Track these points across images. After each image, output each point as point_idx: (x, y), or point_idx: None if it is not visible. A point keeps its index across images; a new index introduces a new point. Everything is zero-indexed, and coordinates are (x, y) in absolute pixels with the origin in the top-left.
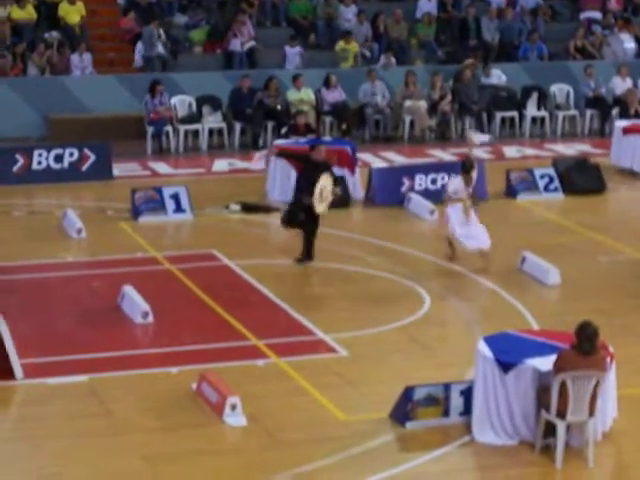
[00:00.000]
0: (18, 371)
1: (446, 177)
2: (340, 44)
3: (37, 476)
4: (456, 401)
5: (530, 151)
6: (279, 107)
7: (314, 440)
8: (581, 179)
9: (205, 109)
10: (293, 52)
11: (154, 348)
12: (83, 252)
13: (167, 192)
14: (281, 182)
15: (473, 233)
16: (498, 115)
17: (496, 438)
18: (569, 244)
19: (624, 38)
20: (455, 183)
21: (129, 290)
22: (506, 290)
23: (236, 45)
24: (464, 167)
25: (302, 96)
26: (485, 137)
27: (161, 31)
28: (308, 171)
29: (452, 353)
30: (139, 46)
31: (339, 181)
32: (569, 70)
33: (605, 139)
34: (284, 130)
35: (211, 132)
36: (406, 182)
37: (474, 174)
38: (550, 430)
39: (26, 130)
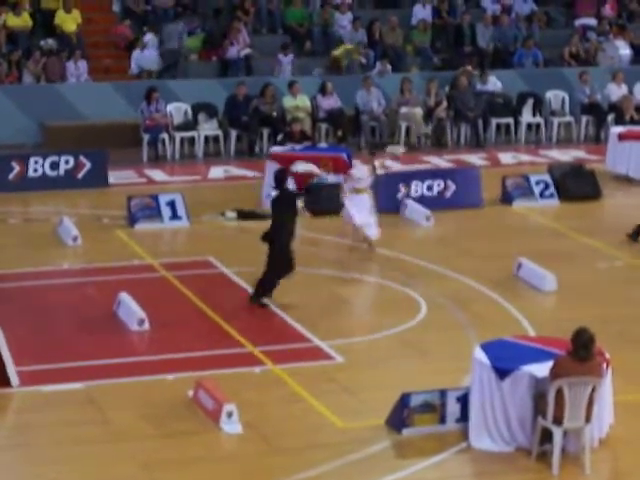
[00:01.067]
0: (14, 378)
1: (442, 183)
2: (344, 46)
3: None
4: (452, 408)
5: (525, 157)
6: (275, 114)
7: (311, 447)
8: (577, 185)
9: (201, 116)
10: (287, 60)
11: (150, 355)
12: (79, 259)
13: (163, 199)
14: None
15: (370, 222)
16: (494, 121)
17: (493, 445)
18: (565, 250)
19: (619, 44)
20: (362, 170)
21: (125, 297)
22: (502, 296)
23: (232, 52)
24: (371, 153)
25: (298, 103)
26: (401, 149)
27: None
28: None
29: (448, 359)
30: (136, 53)
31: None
32: (564, 76)
33: (600, 145)
34: (280, 137)
35: (207, 139)
36: (402, 188)
37: (376, 163)
38: (547, 436)
39: (22, 137)
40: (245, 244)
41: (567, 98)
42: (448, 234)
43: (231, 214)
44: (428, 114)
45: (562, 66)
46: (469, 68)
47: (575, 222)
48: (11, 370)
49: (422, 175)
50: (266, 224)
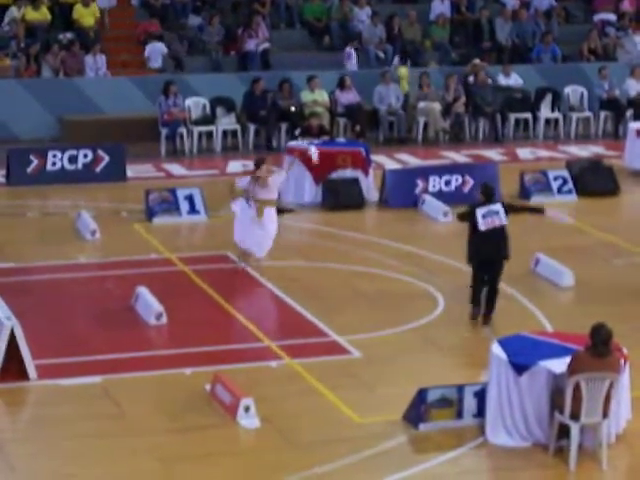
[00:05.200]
0: (32, 372)
1: (460, 178)
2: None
3: (51, 477)
4: (470, 403)
5: (544, 153)
6: (293, 109)
7: (327, 442)
8: (595, 181)
9: (219, 110)
10: (354, 53)
11: (168, 349)
12: (97, 253)
13: (181, 193)
14: (295, 184)
15: (254, 236)
16: (512, 117)
17: (510, 440)
18: (583, 246)
19: (638, 40)
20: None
21: (143, 291)
22: (520, 292)
23: (251, 46)
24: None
25: (316, 97)
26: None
27: None
28: None
29: (466, 355)
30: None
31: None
32: (583, 72)
33: (619, 141)
34: (298, 132)
35: (225, 134)
36: (420, 184)
37: (265, 174)
38: (564, 432)
39: (40, 131)
40: None
41: (586, 93)
42: (466, 229)
43: None
44: (446, 109)
45: (581, 61)
46: (478, 62)
47: (593, 218)
48: (29, 363)
49: (440, 170)
50: (283, 218)
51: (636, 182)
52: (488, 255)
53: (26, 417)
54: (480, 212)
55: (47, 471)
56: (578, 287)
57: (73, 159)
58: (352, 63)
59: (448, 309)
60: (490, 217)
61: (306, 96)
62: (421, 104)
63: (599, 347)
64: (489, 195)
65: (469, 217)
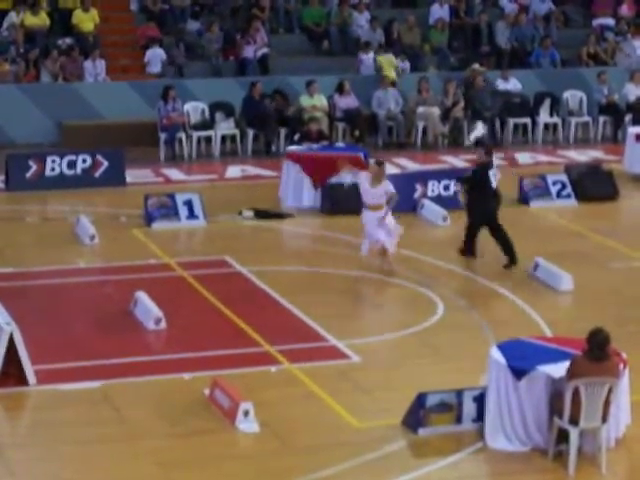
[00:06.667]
0: (31, 377)
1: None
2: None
3: None
4: (469, 407)
5: (543, 157)
6: (289, 113)
7: (326, 446)
8: (594, 186)
9: (218, 115)
10: (367, 57)
11: (167, 354)
12: (96, 258)
13: (180, 198)
14: (294, 188)
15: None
16: (511, 121)
17: (509, 445)
18: (581, 250)
19: (637, 44)
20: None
21: (142, 296)
22: (519, 296)
23: (249, 52)
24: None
25: (315, 102)
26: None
27: None
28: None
29: (465, 359)
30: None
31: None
32: (582, 76)
33: (618, 145)
34: (297, 136)
35: (224, 138)
36: (419, 188)
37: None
38: (563, 436)
39: (39, 136)
40: (262, 243)
41: (585, 98)
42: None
43: (248, 213)
44: (445, 114)
45: (580, 66)
46: (477, 66)
47: (592, 222)
48: (28, 369)
49: (439, 175)
50: (283, 223)
51: (635, 187)
52: (496, 206)
53: (25, 422)
54: (492, 172)
55: (47, 476)
56: (577, 291)
57: (72, 164)
58: (365, 67)
59: (447, 314)
60: (495, 174)
61: (305, 101)
62: (420, 109)
63: (596, 351)
64: (491, 154)
65: (477, 179)
